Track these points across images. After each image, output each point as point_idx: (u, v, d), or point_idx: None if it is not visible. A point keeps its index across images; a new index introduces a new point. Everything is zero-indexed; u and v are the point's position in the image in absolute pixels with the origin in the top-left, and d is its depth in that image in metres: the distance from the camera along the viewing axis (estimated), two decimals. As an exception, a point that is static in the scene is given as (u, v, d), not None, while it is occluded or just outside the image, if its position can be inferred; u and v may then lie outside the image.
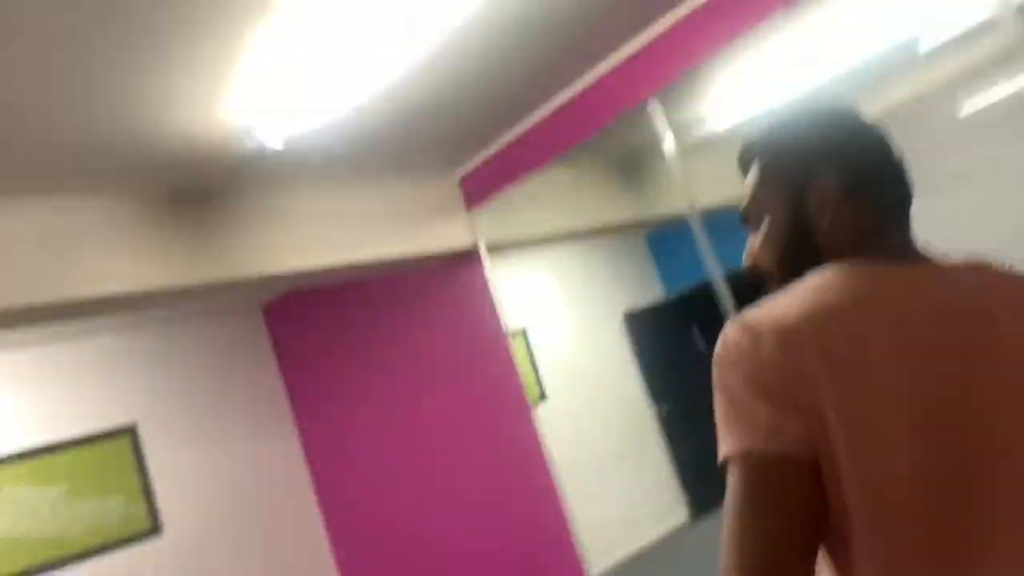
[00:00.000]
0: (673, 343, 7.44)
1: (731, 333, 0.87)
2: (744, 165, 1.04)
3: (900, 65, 4.47)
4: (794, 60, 3.72)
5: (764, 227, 1.00)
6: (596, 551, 6.05)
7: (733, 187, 5.26)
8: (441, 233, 4.02)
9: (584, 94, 3.42)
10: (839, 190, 0.95)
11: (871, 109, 4.64)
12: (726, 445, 0.84)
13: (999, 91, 2.99)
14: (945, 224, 4.54)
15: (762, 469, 0.80)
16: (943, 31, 3.43)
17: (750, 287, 4.96)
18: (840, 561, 0.83)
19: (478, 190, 4.04)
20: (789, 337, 0.83)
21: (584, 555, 3.91)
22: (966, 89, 4.40)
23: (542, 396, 6.56)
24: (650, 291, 7.77)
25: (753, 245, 1.02)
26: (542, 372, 6.62)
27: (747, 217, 1.04)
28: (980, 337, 0.84)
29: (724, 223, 6.27)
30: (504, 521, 4.29)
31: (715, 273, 3.38)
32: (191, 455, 5.56)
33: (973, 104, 4.66)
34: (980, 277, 0.90)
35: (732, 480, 0.82)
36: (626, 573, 6.02)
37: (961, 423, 0.80)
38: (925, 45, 3.85)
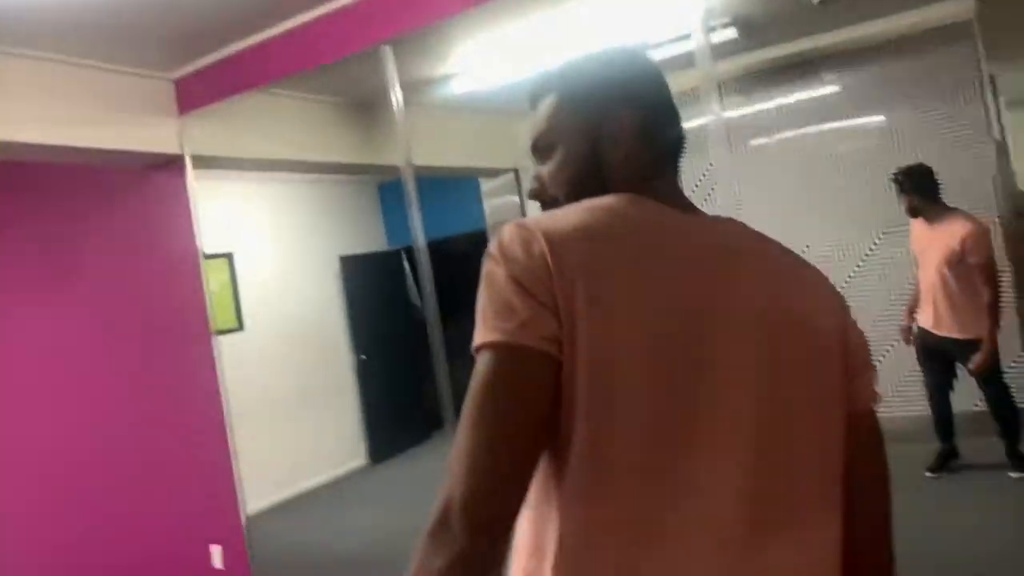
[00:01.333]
0: (385, 294, 7.53)
1: (506, 233, 0.91)
2: (536, 98, 1.08)
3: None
4: (530, 42, 3.87)
5: (558, 155, 1.04)
6: (269, 485, 6.00)
7: (455, 155, 5.39)
8: (146, 132, 3.72)
9: (316, 23, 3.32)
10: (634, 126, 1.01)
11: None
12: (482, 335, 0.87)
13: (699, 119, 3.31)
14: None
15: (512, 358, 0.85)
16: (658, 49, 3.73)
17: (453, 256, 5.11)
18: (552, 477, 0.88)
19: (193, 96, 3.78)
20: (560, 245, 0.88)
21: (244, 491, 3.85)
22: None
23: (239, 325, 6.35)
24: (373, 239, 7.78)
25: (542, 173, 1.06)
26: (244, 301, 6.41)
27: (538, 146, 1.07)
28: (725, 286, 0.93)
29: (442, 187, 6.43)
30: (159, 451, 4.08)
31: (418, 234, 3.44)
32: None
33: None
34: (733, 231, 1.01)
35: (480, 368, 0.86)
36: (295, 509, 6.05)
37: (690, 364, 0.88)
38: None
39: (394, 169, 3.62)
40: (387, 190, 7.61)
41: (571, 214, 0.93)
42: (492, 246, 0.91)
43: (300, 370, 6.72)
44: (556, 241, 0.88)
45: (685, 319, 0.89)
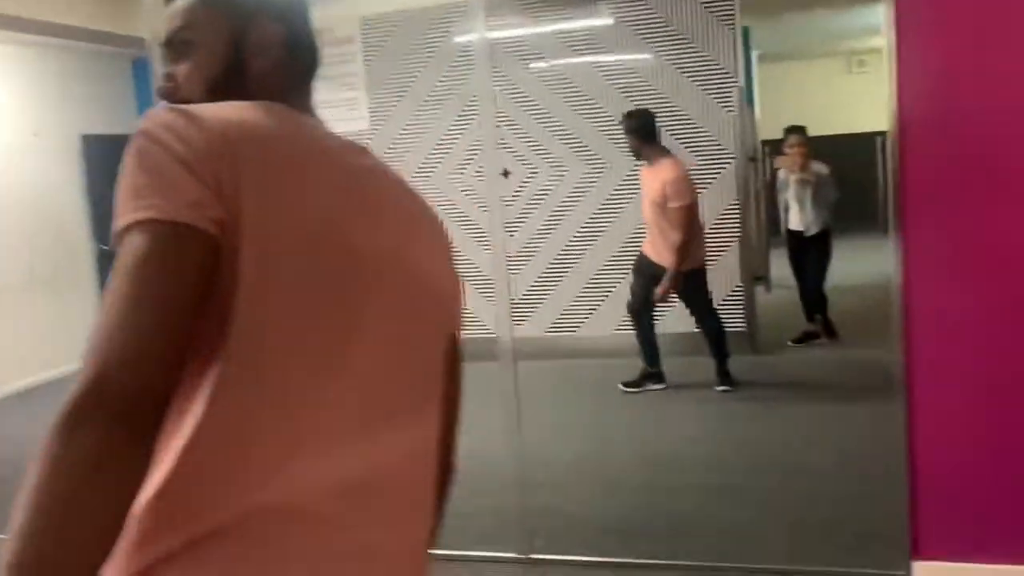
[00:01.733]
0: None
1: (163, 113, 0.86)
2: None
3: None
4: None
5: (196, 56, 1.01)
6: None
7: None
8: None
9: None
10: (282, 39, 1.02)
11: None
12: (136, 213, 0.81)
13: (466, 35, 3.30)
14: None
15: (176, 236, 0.81)
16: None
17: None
18: (194, 368, 0.85)
19: None
20: (231, 131, 0.86)
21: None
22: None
23: (-45, 202, 5.64)
24: (123, 119, 7.12)
25: (176, 72, 1.03)
26: (-37, 175, 5.69)
27: (172, 42, 1.03)
28: (369, 210, 0.97)
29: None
30: None
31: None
32: None
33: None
34: (371, 161, 1.05)
35: (134, 247, 0.80)
36: (19, 404, 5.62)
37: (341, 270, 0.91)
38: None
39: (143, 43, 3.33)
40: (142, 67, 6.98)
41: (226, 108, 0.92)
42: (146, 125, 0.86)
43: (31, 256, 6.13)
44: (219, 127, 0.86)
45: (338, 227, 0.93)
